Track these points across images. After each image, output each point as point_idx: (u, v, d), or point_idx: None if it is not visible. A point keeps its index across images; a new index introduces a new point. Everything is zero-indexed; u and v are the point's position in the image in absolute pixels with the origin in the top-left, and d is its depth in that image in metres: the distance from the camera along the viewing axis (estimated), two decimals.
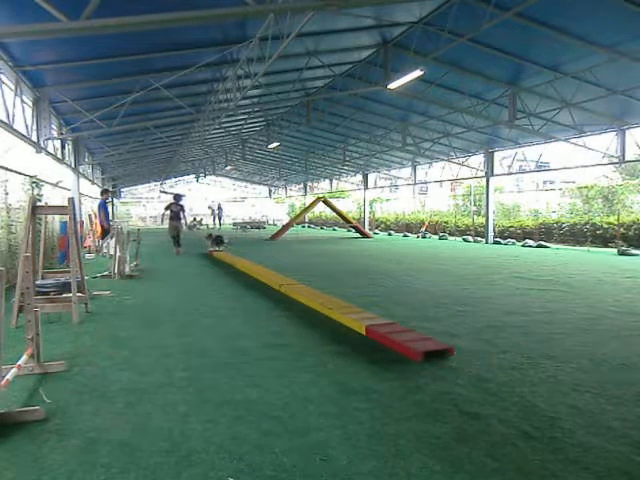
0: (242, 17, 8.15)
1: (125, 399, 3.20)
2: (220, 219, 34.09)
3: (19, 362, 3.43)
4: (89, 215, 16.58)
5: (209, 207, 36.14)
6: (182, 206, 14.08)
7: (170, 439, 2.64)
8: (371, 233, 25.13)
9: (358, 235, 23.58)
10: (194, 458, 2.44)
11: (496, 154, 19.45)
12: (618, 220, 16.32)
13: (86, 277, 6.40)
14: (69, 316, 5.44)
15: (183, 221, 14.11)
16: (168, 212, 13.90)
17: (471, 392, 3.34)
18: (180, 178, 42.28)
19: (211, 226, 34.14)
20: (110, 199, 24.28)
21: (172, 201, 14.16)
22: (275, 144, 22.58)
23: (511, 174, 22.46)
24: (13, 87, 9.04)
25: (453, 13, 9.09)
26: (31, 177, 9.53)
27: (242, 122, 20.21)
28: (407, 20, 10.53)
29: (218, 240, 14.24)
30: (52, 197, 11.47)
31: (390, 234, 26.45)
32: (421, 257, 13.33)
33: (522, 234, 19.98)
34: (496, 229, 20.56)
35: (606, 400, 3.19)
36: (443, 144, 19.42)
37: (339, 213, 25.23)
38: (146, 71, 10.51)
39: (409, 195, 32.09)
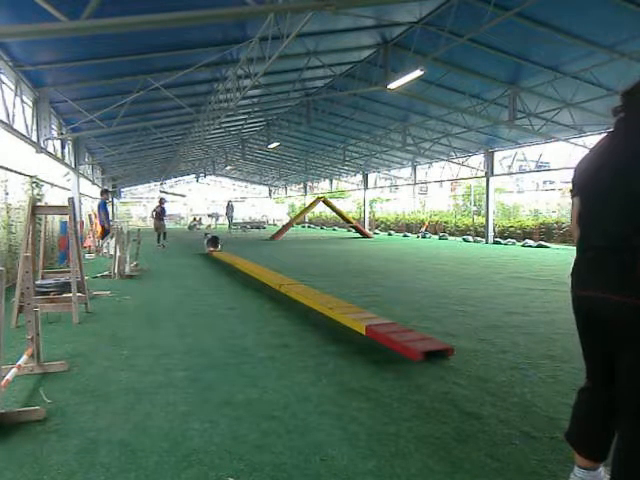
0: (242, 17, 8.15)
1: (125, 399, 3.19)
2: (231, 219, 31.84)
3: (19, 362, 3.43)
4: (89, 215, 16.59)
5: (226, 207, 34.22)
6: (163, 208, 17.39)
7: (170, 439, 2.63)
8: (371, 233, 25.13)
9: (358, 235, 23.58)
10: (194, 458, 2.44)
11: (496, 154, 19.44)
12: None
13: (86, 277, 6.40)
14: (69, 316, 5.44)
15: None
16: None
17: (471, 392, 3.34)
18: (180, 178, 42.27)
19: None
20: (110, 199, 24.27)
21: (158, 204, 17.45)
22: (275, 144, 22.58)
23: (511, 174, 22.47)
24: (13, 87, 9.05)
25: (453, 13, 9.08)
26: (31, 177, 9.53)
27: (242, 122, 20.22)
28: (407, 20, 10.52)
29: (214, 241, 14.51)
30: (52, 197, 11.46)
31: (390, 234, 26.45)
32: (421, 257, 13.33)
33: (522, 234, 19.97)
34: (496, 229, 20.56)
35: None
36: (443, 144, 19.42)
37: (339, 213, 25.24)
38: (146, 71, 10.51)
39: (409, 195, 32.08)
